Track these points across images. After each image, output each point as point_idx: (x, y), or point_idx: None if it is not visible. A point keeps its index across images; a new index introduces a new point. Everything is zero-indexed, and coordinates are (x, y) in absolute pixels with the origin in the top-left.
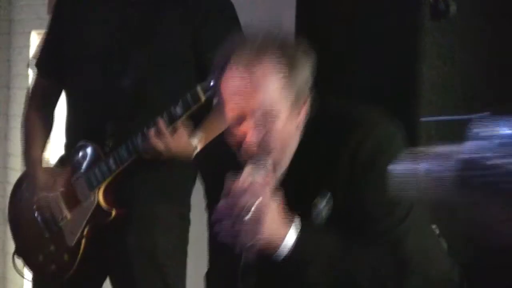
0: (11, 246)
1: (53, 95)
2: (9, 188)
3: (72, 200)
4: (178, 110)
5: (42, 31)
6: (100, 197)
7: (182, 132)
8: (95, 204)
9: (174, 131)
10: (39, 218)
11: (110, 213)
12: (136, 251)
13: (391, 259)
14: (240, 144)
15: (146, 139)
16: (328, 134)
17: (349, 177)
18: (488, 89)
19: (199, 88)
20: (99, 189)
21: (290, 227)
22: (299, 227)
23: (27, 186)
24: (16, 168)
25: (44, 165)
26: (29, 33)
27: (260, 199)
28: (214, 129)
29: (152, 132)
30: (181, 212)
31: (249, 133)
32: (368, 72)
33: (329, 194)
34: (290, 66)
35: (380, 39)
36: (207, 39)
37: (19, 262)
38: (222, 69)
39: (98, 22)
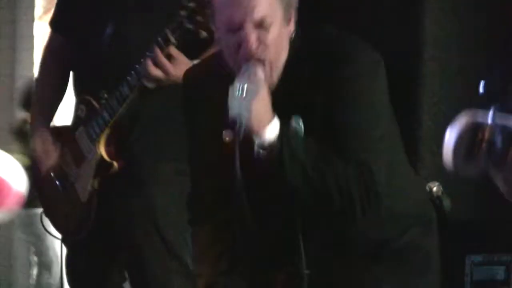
0: None
1: (67, 51)
2: None
3: (79, 156)
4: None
5: None
6: (102, 149)
7: (178, 55)
8: (98, 157)
9: (169, 57)
10: (54, 177)
11: (112, 165)
12: (137, 215)
13: (359, 178)
14: (236, 53)
15: (144, 69)
16: (312, 55)
17: (328, 96)
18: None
19: (168, 31)
20: (99, 142)
21: (274, 118)
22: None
23: (39, 146)
24: None
25: (52, 124)
26: None
27: (257, 77)
28: None
29: (149, 61)
30: (178, 167)
31: (248, 40)
32: None
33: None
34: None
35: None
36: None
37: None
38: None
39: None
